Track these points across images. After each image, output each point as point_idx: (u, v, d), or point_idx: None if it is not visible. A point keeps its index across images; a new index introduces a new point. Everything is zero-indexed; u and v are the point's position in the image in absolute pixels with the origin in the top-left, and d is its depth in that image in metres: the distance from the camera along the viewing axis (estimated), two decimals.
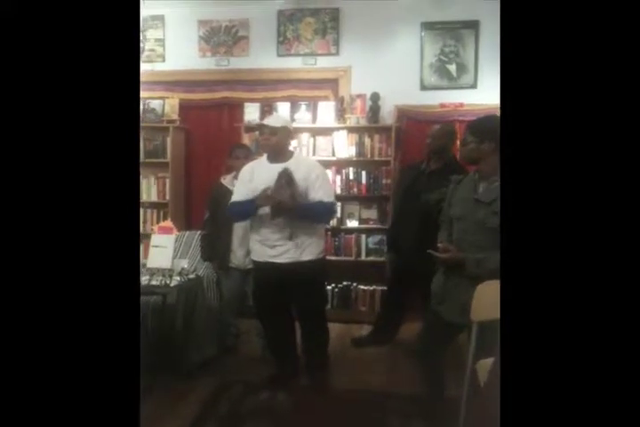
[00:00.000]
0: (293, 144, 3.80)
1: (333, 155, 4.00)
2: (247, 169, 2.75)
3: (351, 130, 4.04)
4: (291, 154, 2.69)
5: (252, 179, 2.66)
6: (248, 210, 2.61)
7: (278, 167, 2.56)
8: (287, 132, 2.67)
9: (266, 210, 2.54)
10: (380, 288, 3.93)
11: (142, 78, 4.20)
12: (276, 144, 2.62)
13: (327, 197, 2.59)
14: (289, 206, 2.47)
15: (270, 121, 2.68)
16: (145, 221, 4.32)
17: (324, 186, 2.61)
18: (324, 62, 4.22)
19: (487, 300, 1.88)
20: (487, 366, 1.76)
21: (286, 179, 2.50)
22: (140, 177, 4.28)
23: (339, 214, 3.90)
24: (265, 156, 2.72)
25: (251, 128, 4.15)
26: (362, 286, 4.03)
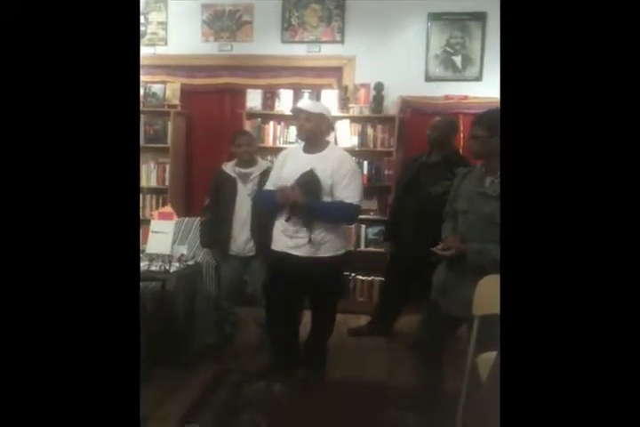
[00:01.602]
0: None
1: (336, 144, 3.97)
2: (282, 156, 2.69)
3: (354, 119, 4.02)
4: (326, 144, 2.59)
5: (283, 166, 2.60)
6: (268, 203, 2.58)
7: (310, 158, 2.51)
8: (324, 121, 2.54)
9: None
10: (378, 279, 3.94)
11: (144, 62, 4.18)
12: (310, 131, 2.51)
13: (351, 198, 2.47)
14: (303, 209, 2.43)
15: (306, 105, 2.60)
16: (144, 207, 4.30)
17: (350, 185, 2.47)
18: (328, 50, 4.18)
19: (489, 294, 1.87)
20: (488, 360, 1.76)
21: (308, 180, 2.44)
22: (140, 162, 4.25)
23: None
24: (302, 145, 2.64)
25: (253, 115, 4.13)
26: (360, 277, 4.05)
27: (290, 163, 2.58)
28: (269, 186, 2.65)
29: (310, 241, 2.47)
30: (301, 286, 2.59)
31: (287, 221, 2.50)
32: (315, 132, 2.54)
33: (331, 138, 3.94)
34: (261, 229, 2.78)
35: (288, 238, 2.53)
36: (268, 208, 2.65)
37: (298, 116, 2.55)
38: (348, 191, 2.47)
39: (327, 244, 2.51)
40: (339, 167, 2.47)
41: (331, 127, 2.67)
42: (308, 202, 2.42)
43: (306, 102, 2.74)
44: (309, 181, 2.44)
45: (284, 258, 2.55)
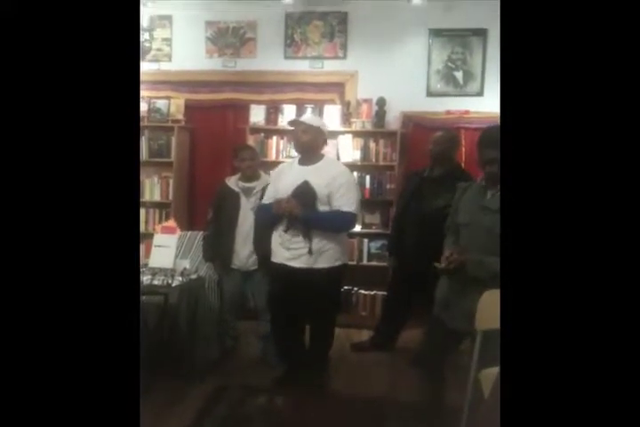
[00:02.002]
0: None
1: (338, 159, 3.99)
2: (277, 170, 2.76)
3: (356, 134, 4.04)
4: (321, 157, 2.66)
5: (279, 180, 2.66)
6: (268, 216, 2.61)
7: (305, 170, 2.57)
8: (320, 134, 2.63)
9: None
10: (381, 293, 3.92)
11: (148, 77, 4.25)
12: (307, 143, 2.59)
13: (347, 206, 2.52)
14: (300, 218, 2.47)
15: (306, 118, 2.68)
16: (147, 221, 4.31)
17: (346, 195, 2.52)
18: (330, 66, 4.22)
19: (492, 308, 1.86)
20: (491, 375, 1.75)
21: (303, 191, 2.49)
22: (144, 176, 4.28)
23: None
24: (298, 157, 2.71)
25: (256, 130, 4.16)
26: (363, 291, 4.03)
27: (285, 176, 2.63)
28: (267, 200, 2.69)
29: (310, 251, 2.50)
30: (301, 298, 2.60)
31: (286, 232, 2.53)
32: (311, 145, 2.60)
33: (325, 151, 4.01)
34: (263, 243, 2.78)
35: (285, 250, 2.56)
36: (266, 221, 2.68)
37: (296, 128, 2.62)
38: (344, 200, 2.51)
39: (325, 253, 2.54)
40: (335, 178, 2.52)
41: (325, 142, 2.72)
42: (303, 212, 2.46)
43: (304, 115, 2.80)
44: (304, 192, 2.49)
45: (283, 270, 2.58)
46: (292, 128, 2.68)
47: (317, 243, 2.51)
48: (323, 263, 2.54)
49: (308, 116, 2.99)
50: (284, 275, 2.59)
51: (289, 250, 2.55)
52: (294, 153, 3.97)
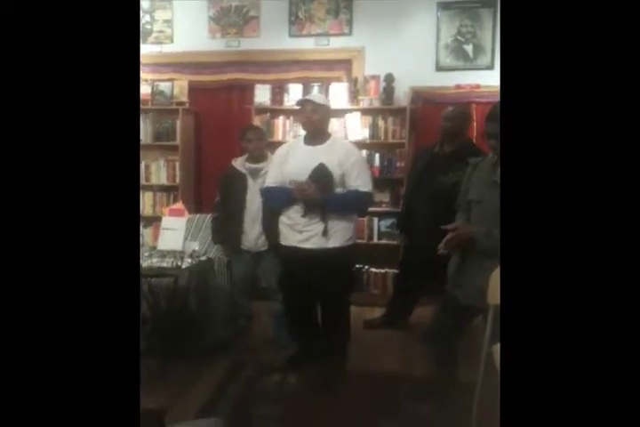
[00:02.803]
0: None
1: (346, 137, 3.94)
2: (281, 151, 2.68)
3: (364, 112, 3.98)
4: (328, 136, 2.61)
5: (285, 161, 2.59)
6: (284, 200, 2.56)
7: (314, 150, 2.53)
8: (328, 112, 2.60)
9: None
10: (392, 271, 3.91)
11: (151, 60, 4.20)
12: (318, 122, 2.54)
13: (363, 187, 2.51)
14: (321, 203, 2.45)
15: (314, 97, 2.63)
16: (154, 204, 4.31)
17: (361, 174, 2.52)
18: (336, 43, 4.14)
19: None
20: None
21: (321, 174, 2.45)
22: (150, 160, 4.27)
23: None
24: (301, 137, 2.66)
25: (261, 110, 4.11)
26: (374, 269, 4.02)
27: (293, 157, 2.58)
28: (271, 183, 2.64)
29: (324, 233, 2.49)
30: (313, 278, 2.57)
31: (304, 216, 2.50)
32: (320, 123, 2.56)
33: (333, 130, 3.96)
34: (272, 224, 2.76)
35: (297, 233, 2.54)
36: (279, 206, 2.63)
37: (304, 107, 2.56)
38: (360, 180, 2.50)
39: (337, 233, 2.52)
40: (346, 157, 2.49)
41: (329, 120, 2.71)
42: (323, 196, 2.44)
43: (312, 94, 2.78)
44: (322, 175, 2.45)
45: (295, 252, 2.56)
46: (299, 108, 2.63)
47: (331, 224, 2.50)
48: (334, 243, 2.52)
49: (316, 95, 2.94)
50: (296, 257, 2.57)
51: (301, 233, 2.53)
52: (301, 132, 3.98)
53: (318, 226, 2.50)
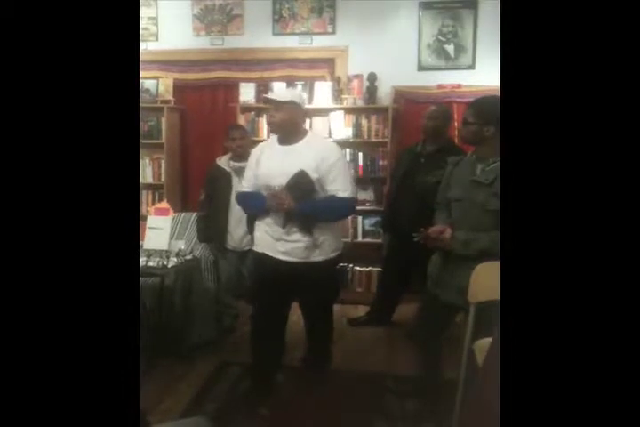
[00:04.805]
0: None
1: (330, 136, 3.97)
2: (255, 152, 2.42)
3: (348, 111, 4.01)
4: (303, 134, 2.31)
5: (259, 162, 2.34)
6: (258, 208, 2.33)
7: (287, 150, 2.27)
8: (296, 109, 2.26)
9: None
10: (375, 269, 3.96)
11: None
12: (282, 122, 2.24)
13: (343, 191, 2.23)
14: (298, 214, 2.21)
15: (274, 95, 2.33)
16: (141, 203, 4.30)
17: (339, 177, 2.22)
18: (320, 41, 4.16)
19: (484, 281, 1.89)
20: (484, 346, 1.78)
21: (300, 181, 2.20)
22: None
23: None
24: (276, 136, 2.36)
25: (247, 108, 4.12)
26: (358, 268, 4.07)
27: (268, 159, 2.32)
28: (246, 187, 2.41)
29: (308, 246, 2.26)
30: (290, 290, 2.39)
31: (283, 227, 2.26)
32: (286, 123, 2.25)
33: (318, 129, 3.90)
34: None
35: (275, 240, 2.29)
36: (254, 213, 2.41)
37: (270, 106, 2.30)
38: (338, 184, 2.23)
39: (322, 245, 2.29)
40: (322, 159, 2.21)
41: (304, 116, 2.39)
42: (301, 206, 2.19)
43: (275, 91, 2.56)
44: (301, 183, 2.20)
45: (271, 262, 2.32)
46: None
47: (315, 236, 2.26)
48: (319, 256, 2.29)
49: (277, 92, 2.75)
50: (272, 267, 2.32)
51: (279, 241, 2.28)
52: None
53: (300, 238, 2.25)
